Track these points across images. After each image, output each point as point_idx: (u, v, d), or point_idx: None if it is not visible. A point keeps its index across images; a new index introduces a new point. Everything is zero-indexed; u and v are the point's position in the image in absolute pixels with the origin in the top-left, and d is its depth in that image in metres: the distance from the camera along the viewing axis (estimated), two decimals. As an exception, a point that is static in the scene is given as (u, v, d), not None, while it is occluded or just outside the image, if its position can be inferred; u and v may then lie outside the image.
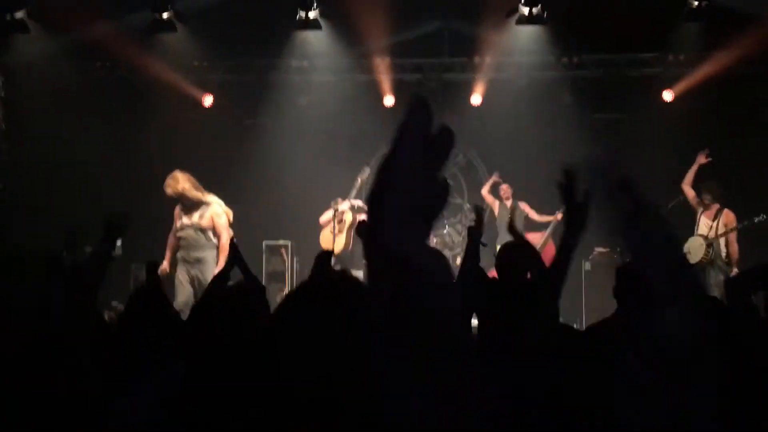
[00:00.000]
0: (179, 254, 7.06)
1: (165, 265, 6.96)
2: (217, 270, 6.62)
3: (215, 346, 2.39)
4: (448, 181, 0.89)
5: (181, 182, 6.93)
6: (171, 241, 7.19)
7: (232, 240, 4.14)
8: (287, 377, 2.11)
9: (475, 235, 3.59)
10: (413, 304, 0.81)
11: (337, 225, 8.58)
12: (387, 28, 10.26)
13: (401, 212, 0.83)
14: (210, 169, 10.30)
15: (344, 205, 8.62)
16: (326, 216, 8.70)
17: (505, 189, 9.60)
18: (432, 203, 0.86)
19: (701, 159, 8.09)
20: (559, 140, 9.91)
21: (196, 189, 7.00)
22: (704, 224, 7.84)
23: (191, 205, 6.99)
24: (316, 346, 2.12)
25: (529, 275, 3.56)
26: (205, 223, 6.94)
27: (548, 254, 9.09)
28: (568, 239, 2.73)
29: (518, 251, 3.91)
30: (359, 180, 8.57)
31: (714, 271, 7.64)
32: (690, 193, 8.04)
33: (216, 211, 6.93)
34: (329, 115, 10.16)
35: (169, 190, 6.94)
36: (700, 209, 7.93)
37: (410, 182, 0.84)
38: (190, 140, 9.99)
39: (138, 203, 8.47)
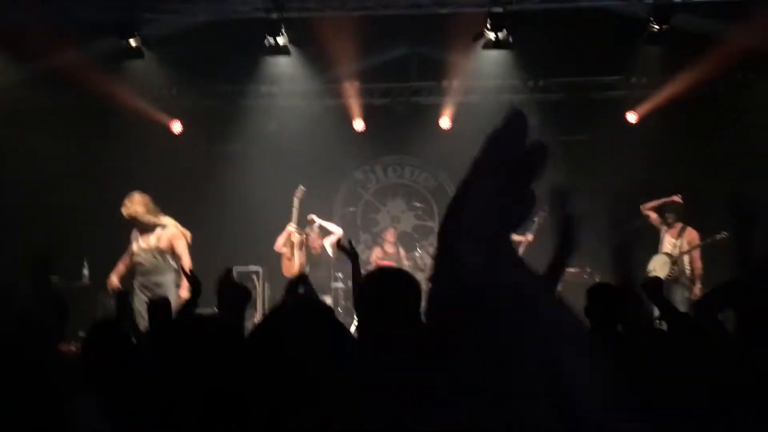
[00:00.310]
0: (137, 281, 6.88)
1: (113, 278, 6.83)
2: (181, 292, 6.56)
3: (185, 377, 2.37)
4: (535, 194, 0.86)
5: (135, 204, 6.79)
6: (125, 259, 7.04)
7: (192, 273, 4.02)
8: (258, 405, 2.10)
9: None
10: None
11: (289, 248, 8.60)
12: (355, 53, 10.34)
13: (478, 228, 0.80)
14: (180, 195, 10.23)
15: (291, 227, 8.63)
16: (279, 242, 8.76)
17: None
18: (514, 220, 0.83)
19: (675, 198, 8.23)
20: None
21: (151, 212, 6.85)
22: (668, 242, 8.02)
23: (146, 228, 6.84)
24: (290, 371, 2.12)
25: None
26: (164, 245, 6.81)
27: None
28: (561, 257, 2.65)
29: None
30: (296, 200, 8.57)
31: (679, 288, 7.81)
32: (651, 214, 8.20)
33: (174, 233, 6.81)
34: (299, 140, 10.18)
35: (123, 211, 6.81)
36: (664, 228, 8.11)
37: (493, 199, 0.80)
38: (160, 167, 9.91)
39: (107, 231, 8.37)
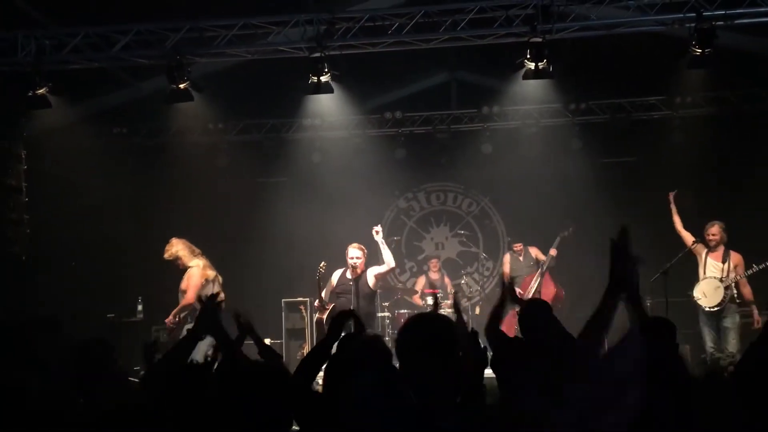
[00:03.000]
0: None
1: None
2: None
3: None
4: None
5: (173, 246, 7.27)
6: None
7: (240, 317, 3.98)
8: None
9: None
10: None
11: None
12: (395, 83, 10.46)
13: None
14: (227, 228, 10.47)
15: (316, 303, 8.02)
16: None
17: (517, 246, 9.63)
18: None
19: (672, 198, 8.00)
20: (569, 185, 10.01)
21: (185, 254, 7.25)
22: (713, 266, 7.68)
23: (183, 271, 7.31)
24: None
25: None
26: (183, 286, 7.15)
27: (548, 290, 9.10)
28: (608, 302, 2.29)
29: (539, 310, 3.97)
30: (318, 276, 7.86)
31: (729, 314, 7.58)
32: (688, 238, 7.84)
33: (190, 272, 7.14)
34: (342, 171, 10.31)
35: (166, 255, 7.27)
36: (705, 251, 7.76)
37: None
38: (208, 201, 10.18)
39: (157, 266, 8.58)
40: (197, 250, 7.38)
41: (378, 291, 8.17)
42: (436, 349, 2.44)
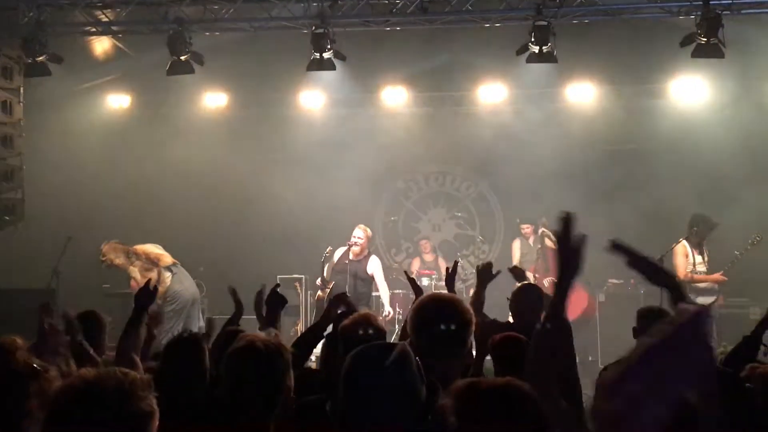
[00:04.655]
0: None
1: None
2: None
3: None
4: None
5: (106, 256, 7.52)
6: None
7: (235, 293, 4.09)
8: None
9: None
10: None
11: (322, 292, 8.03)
12: (398, 63, 10.39)
13: None
14: (225, 203, 10.46)
15: (318, 282, 8.10)
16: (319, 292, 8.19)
17: (525, 228, 9.54)
18: None
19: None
20: (569, 170, 9.98)
21: (121, 262, 7.53)
22: (699, 262, 7.82)
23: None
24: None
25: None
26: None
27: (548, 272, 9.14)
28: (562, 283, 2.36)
29: (531, 294, 3.99)
30: (323, 260, 7.96)
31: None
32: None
33: (134, 276, 7.46)
34: (342, 149, 10.27)
35: (103, 267, 7.56)
36: (688, 248, 7.82)
37: None
38: (206, 175, 10.15)
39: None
40: (131, 250, 7.47)
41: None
42: (454, 335, 2.40)
